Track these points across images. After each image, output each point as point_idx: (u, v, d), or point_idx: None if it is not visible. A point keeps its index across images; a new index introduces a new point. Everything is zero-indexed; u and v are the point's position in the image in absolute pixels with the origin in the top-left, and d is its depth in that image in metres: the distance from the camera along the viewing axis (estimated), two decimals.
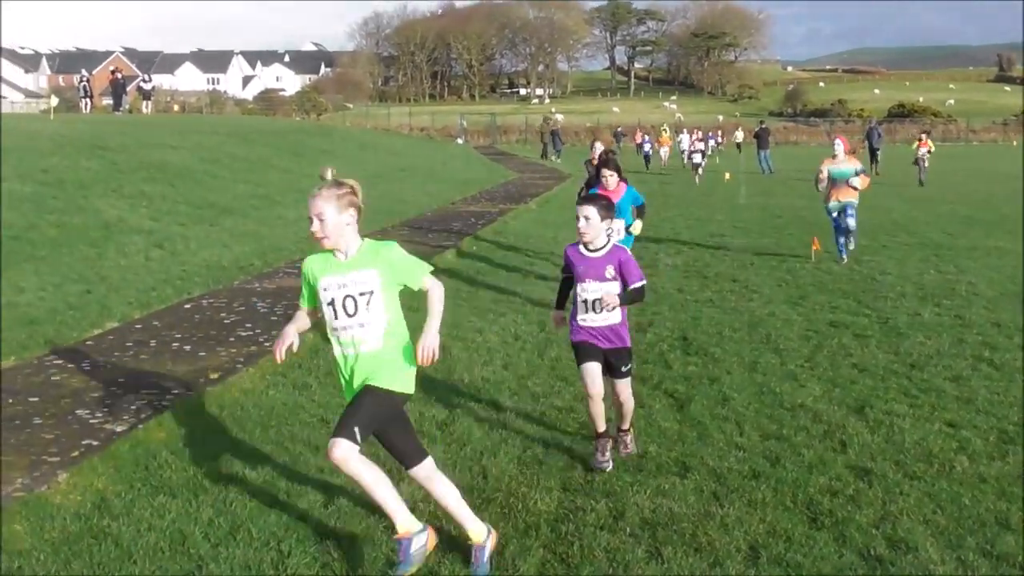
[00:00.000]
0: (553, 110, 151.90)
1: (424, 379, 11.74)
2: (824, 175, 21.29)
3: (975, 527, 7.58)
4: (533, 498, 8.16)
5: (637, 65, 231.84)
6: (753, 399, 11.09)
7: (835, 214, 21.29)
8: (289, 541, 7.29)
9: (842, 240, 21.43)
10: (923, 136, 51.56)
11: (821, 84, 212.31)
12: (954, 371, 12.24)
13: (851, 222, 20.98)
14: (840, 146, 21.55)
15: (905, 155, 57.44)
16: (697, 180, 49.10)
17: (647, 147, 65.48)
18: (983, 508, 7.93)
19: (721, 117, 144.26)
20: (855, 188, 21.04)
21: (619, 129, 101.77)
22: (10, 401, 10.29)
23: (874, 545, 7.26)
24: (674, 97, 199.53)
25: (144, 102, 64.09)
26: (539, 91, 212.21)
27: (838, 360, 12.86)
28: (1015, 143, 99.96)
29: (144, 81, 67.72)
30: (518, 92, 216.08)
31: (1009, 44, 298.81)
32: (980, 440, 9.59)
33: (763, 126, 64.48)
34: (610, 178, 15.25)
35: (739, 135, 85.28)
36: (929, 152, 49.17)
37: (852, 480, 8.54)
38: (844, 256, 21.28)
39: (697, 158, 51.54)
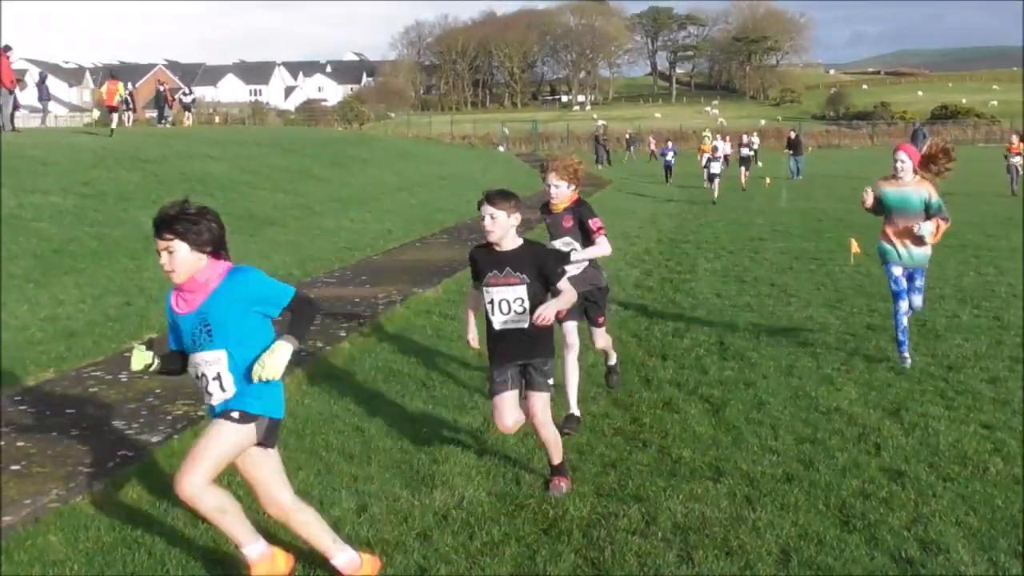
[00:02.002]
0: (595, 116, 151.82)
1: (460, 387, 11.82)
2: (869, 198, 12.63)
3: (1008, 528, 7.55)
4: (566, 504, 8.17)
5: (679, 70, 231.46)
6: (788, 403, 11.07)
7: (894, 271, 12.70)
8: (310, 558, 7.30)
9: (903, 318, 12.68)
10: (1014, 139, 44.66)
11: (864, 87, 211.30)
12: (991, 373, 12.20)
13: (918, 302, 12.86)
14: (906, 161, 12.53)
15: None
16: (715, 193, 42.24)
17: (670, 156, 57.55)
18: (1016, 509, 7.90)
19: (763, 121, 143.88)
20: (922, 238, 12.38)
21: (629, 133, 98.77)
22: (47, 413, 10.40)
23: (906, 547, 7.24)
24: (716, 102, 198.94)
25: (185, 113, 64.49)
26: (581, 98, 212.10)
27: (874, 363, 12.82)
28: None
29: (184, 94, 68.04)
30: (560, 99, 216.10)
31: None
32: (1015, 441, 9.55)
33: (797, 134, 62.94)
34: None
35: (755, 140, 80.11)
36: (1022, 156, 43.07)
37: (885, 483, 8.53)
38: (906, 354, 12.73)
39: (715, 167, 43.98)
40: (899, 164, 12.54)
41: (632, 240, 26.34)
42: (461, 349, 13.34)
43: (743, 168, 50.36)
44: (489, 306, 8.37)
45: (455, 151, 73.74)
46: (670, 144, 61.08)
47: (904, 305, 12.66)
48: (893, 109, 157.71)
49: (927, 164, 12.68)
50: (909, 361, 12.56)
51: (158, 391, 11.16)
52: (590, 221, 10.34)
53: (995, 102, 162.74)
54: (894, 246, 12.64)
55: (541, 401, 8.46)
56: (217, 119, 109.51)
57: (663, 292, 18.56)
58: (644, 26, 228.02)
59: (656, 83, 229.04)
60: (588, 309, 10.62)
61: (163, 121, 59.99)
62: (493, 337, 8.46)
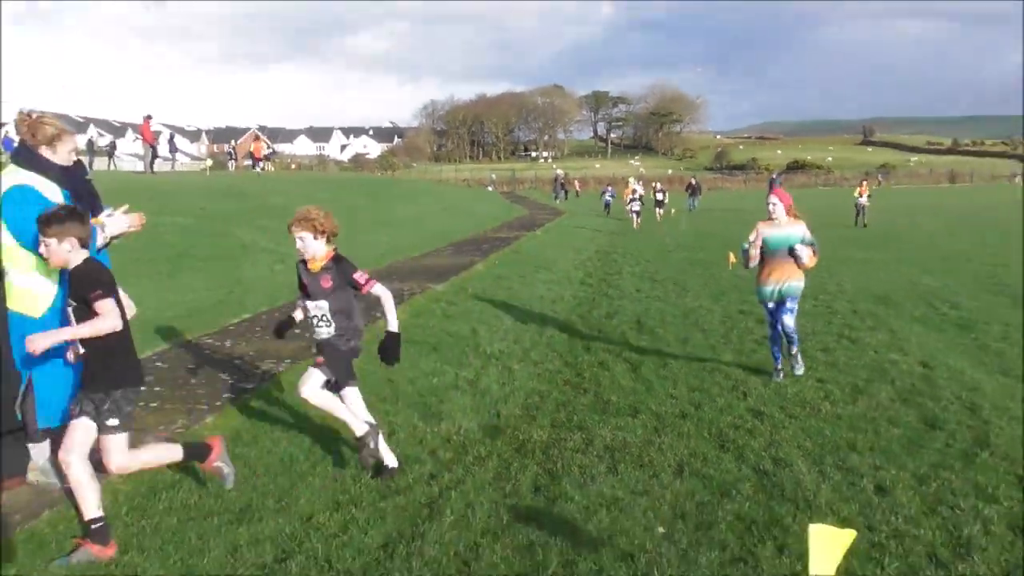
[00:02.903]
0: (555, 167, 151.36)
1: (459, 351, 11.81)
2: (756, 251, 10.24)
3: (833, 450, 7.61)
4: (530, 432, 8.21)
5: (612, 135, 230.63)
6: (684, 364, 11.10)
7: (771, 304, 10.38)
8: (356, 469, 7.31)
9: (776, 345, 10.46)
10: (863, 182, 42.03)
11: (740, 147, 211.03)
12: (824, 344, 12.24)
13: (788, 322, 10.19)
14: (777, 204, 10.24)
15: (799, 198, 56.43)
16: (636, 224, 40.24)
17: (608, 196, 54.80)
18: (838, 437, 7.95)
19: (670, 171, 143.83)
20: (801, 263, 10.01)
21: (560, 178, 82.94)
22: (176, 367, 10.39)
23: (763, 463, 7.30)
24: (638, 157, 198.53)
25: (265, 163, 64.17)
26: (545, 153, 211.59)
27: (744, 337, 12.87)
28: (876, 185, 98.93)
29: (266, 146, 67.71)
30: (530, 154, 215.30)
31: (871, 118, 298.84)
32: (839, 391, 9.61)
33: (695, 182, 61.61)
34: None
35: (662, 187, 66.23)
36: (868, 197, 39.67)
37: (750, 419, 8.58)
38: (780, 366, 10.40)
39: (636, 206, 41.50)
40: (771, 207, 10.21)
41: (579, 251, 26.36)
42: (460, 325, 13.37)
43: (657, 208, 47.55)
44: None
45: (457, 190, 73.52)
46: (610, 187, 59.26)
47: (776, 334, 10.38)
48: (760, 163, 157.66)
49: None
50: (780, 377, 10.24)
51: (251, 354, 11.17)
52: (354, 276, 6.96)
53: (831, 158, 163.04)
54: (768, 286, 10.26)
55: (108, 445, 5.52)
56: (293, 167, 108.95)
57: (599, 287, 18.59)
58: (589, 104, 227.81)
59: (597, 143, 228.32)
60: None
61: (256, 169, 59.92)
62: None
